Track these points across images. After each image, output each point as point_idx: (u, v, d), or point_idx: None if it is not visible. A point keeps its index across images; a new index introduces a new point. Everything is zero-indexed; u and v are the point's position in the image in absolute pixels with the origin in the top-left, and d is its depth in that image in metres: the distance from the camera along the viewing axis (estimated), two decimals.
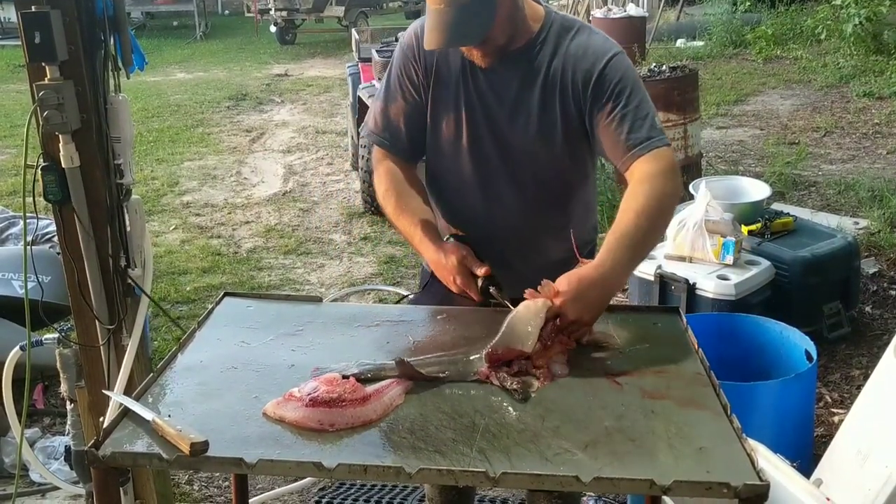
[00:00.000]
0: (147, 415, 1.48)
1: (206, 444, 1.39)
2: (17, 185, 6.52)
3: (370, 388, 1.56)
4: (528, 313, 1.73)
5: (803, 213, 4.83)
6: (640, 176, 1.85)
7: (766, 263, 3.67)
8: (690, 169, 5.34)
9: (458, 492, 2.31)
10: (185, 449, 1.38)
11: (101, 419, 2.31)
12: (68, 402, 2.57)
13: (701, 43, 11.62)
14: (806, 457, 2.85)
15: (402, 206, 2.02)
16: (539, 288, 1.77)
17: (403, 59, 2.03)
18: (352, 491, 2.99)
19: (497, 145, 1.98)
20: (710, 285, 3.51)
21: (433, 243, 1.95)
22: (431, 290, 2.13)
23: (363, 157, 5.80)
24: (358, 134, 6.05)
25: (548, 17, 1.95)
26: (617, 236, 1.80)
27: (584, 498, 2.82)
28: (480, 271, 1.89)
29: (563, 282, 1.76)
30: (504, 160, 1.99)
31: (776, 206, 4.53)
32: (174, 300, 4.75)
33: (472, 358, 1.69)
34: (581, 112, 1.91)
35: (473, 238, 2.00)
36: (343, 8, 15.14)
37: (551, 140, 1.95)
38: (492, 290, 1.88)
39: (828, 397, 3.50)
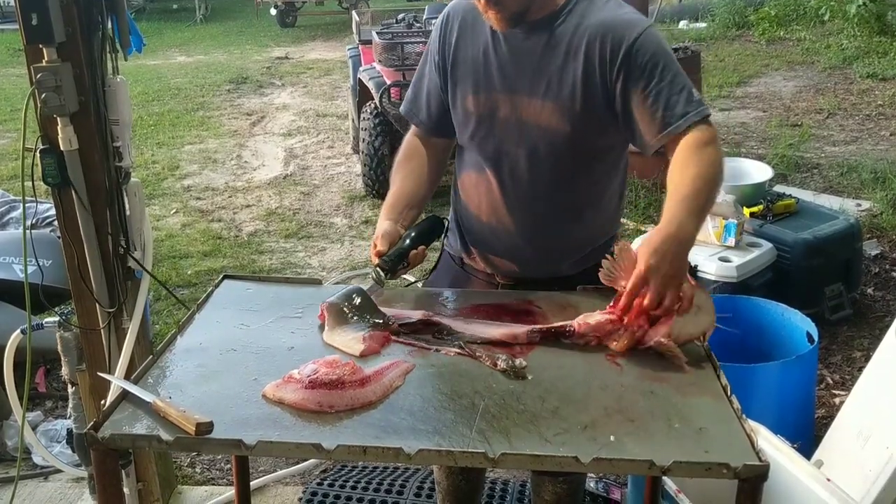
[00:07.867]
0: (147, 397, 1.48)
1: (211, 425, 1.39)
2: (17, 169, 6.49)
3: (370, 370, 1.56)
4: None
5: (806, 195, 4.83)
6: (687, 147, 1.78)
7: (768, 245, 3.67)
8: None
9: (465, 478, 2.30)
10: (191, 430, 1.38)
11: (102, 402, 2.32)
12: (70, 385, 2.58)
13: (704, 24, 11.58)
14: (807, 438, 2.85)
15: (393, 178, 2.10)
16: (602, 269, 1.76)
17: (435, 33, 2.05)
18: (353, 473, 2.99)
19: (514, 117, 1.92)
20: (711, 267, 3.51)
21: (385, 215, 1.99)
22: (442, 272, 2.20)
23: (364, 140, 5.77)
24: (359, 117, 6.02)
25: None
26: (677, 200, 1.72)
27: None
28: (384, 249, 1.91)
29: (643, 248, 1.68)
30: (520, 132, 1.92)
31: (778, 188, 4.53)
32: (175, 284, 4.75)
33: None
34: (607, 86, 1.83)
35: (488, 219, 2.01)
36: None
37: (569, 110, 1.86)
38: (379, 269, 1.88)
39: (829, 379, 3.51)
